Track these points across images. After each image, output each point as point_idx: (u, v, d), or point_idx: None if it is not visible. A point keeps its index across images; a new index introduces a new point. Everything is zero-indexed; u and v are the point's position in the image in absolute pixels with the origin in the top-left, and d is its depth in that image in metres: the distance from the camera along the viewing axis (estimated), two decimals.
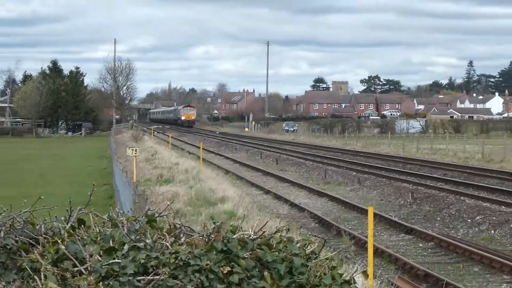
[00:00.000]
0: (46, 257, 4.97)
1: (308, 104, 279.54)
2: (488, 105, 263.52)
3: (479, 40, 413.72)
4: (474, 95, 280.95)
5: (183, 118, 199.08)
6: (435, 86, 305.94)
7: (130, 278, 4.88)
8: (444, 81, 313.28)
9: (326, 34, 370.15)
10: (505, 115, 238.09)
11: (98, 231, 5.74)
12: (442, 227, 35.32)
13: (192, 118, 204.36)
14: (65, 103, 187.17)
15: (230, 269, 5.07)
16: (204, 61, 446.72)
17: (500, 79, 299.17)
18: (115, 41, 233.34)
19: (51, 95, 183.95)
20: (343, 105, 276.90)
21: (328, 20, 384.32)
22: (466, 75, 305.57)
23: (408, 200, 44.06)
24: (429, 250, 29.96)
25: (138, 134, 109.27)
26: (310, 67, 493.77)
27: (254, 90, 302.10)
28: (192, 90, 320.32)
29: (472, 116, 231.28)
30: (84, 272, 4.89)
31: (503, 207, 38.36)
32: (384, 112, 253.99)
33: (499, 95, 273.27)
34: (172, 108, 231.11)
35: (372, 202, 40.83)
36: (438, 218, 37.81)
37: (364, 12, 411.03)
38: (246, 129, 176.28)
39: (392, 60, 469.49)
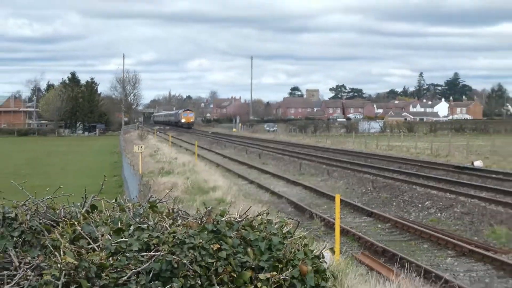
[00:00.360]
0: (64, 236, 4.97)
1: (285, 109, 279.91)
2: (435, 109, 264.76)
3: (429, 54, 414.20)
4: (424, 101, 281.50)
5: (183, 120, 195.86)
6: (392, 93, 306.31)
7: (135, 254, 4.87)
8: (399, 89, 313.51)
9: (300, 50, 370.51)
10: (450, 117, 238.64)
11: (108, 214, 5.74)
12: (398, 211, 35.38)
13: (191, 120, 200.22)
14: (82, 108, 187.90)
15: (219, 246, 5.06)
16: (198, 72, 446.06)
17: (446, 87, 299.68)
18: (123, 56, 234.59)
19: (70, 101, 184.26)
20: (315, 109, 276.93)
21: (303, 38, 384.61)
22: (417, 84, 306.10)
23: (369, 189, 44.14)
24: (387, 230, 30.02)
25: (143, 134, 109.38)
26: (287, 78, 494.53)
27: (240, 97, 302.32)
28: (188, 97, 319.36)
29: (423, 118, 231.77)
30: (96, 249, 4.88)
31: (448, 194, 38.44)
32: (349, 115, 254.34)
33: (445, 100, 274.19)
34: (174, 111, 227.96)
35: (339, 190, 40.85)
36: (394, 204, 37.89)
37: (332, 32, 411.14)
38: (234, 129, 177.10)
39: (356, 72, 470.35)
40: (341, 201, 23.00)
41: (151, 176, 41.88)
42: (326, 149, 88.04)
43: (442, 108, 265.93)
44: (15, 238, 5.05)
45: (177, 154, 65.84)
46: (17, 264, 4.64)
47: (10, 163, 63.31)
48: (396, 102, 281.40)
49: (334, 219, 20.63)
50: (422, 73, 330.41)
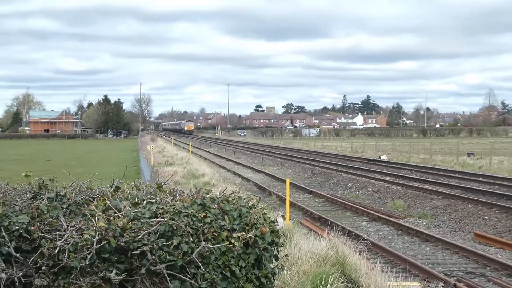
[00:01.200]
0: (98, 207, 4.96)
1: (252, 120, 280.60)
2: (354, 120, 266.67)
3: (350, 82, 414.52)
4: (347, 114, 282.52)
5: (185, 128, 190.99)
6: (325, 110, 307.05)
7: (147, 220, 4.85)
8: (330, 106, 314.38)
9: (263, 79, 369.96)
10: (364, 126, 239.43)
11: (128, 193, 5.71)
12: (329, 190, 35.48)
13: (192, 128, 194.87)
14: (111, 119, 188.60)
15: (205, 214, 5.06)
16: (192, 95, 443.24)
17: (361, 105, 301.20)
18: (140, 84, 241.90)
19: (103, 115, 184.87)
20: (272, 120, 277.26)
21: (264, 71, 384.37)
22: (342, 103, 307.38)
23: (309, 175, 44.22)
24: (321, 203, 30.09)
25: (154, 137, 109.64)
26: (253, 98, 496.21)
27: (221, 112, 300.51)
28: (185, 112, 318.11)
29: (346, 127, 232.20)
30: (120, 216, 4.86)
31: (363, 178, 38.60)
32: (296, 124, 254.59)
33: (360, 114, 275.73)
34: (178, 122, 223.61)
35: (288, 175, 40.93)
36: (326, 185, 38.01)
37: (285, 67, 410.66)
38: (216, 134, 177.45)
39: (301, 94, 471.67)
40: (290, 183, 23.06)
41: (159, 166, 41.96)
42: (279, 147, 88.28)
43: (358, 120, 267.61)
44: (64, 209, 5.02)
45: (177, 151, 65.89)
46: (66, 226, 4.62)
47: (62, 158, 62.97)
48: (328, 115, 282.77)
49: (285, 196, 20.68)
50: (345, 95, 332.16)
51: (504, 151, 57.76)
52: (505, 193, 29.64)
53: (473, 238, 21.12)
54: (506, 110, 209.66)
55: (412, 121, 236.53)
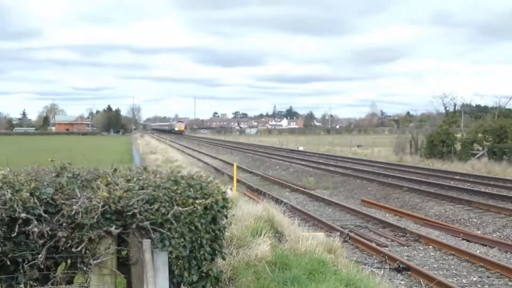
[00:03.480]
0: (102, 182, 4.92)
1: (211, 123, 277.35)
2: (281, 123, 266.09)
3: (279, 97, 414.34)
4: (276, 119, 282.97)
5: (176, 129, 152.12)
6: (261, 115, 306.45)
7: (136, 191, 4.83)
8: (264, 113, 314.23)
9: (218, 96, 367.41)
10: (288, 127, 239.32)
11: (124, 172, 5.68)
12: (263, 170, 35.55)
13: (182, 128, 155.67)
14: (112, 122, 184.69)
15: (176, 187, 5.06)
16: (169, 105, 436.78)
17: (286, 113, 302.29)
18: (133, 97, 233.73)
19: (107, 119, 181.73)
20: (225, 123, 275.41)
21: (218, 90, 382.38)
22: (273, 110, 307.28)
23: (250, 160, 44.21)
24: (258, 180, 30.14)
25: (142, 135, 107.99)
26: (212, 107, 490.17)
27: (189, 117, 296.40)
28: (164, 117, 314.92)
29: (275, 127, 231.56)
30: (118, 189, 4.84)
31: (286, 162, 38.82)
32: (241, 126, 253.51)
33: (285, 119, 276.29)
34: (168, 123, 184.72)
35: (236, 160, 40.81)
36: (261, 167, 38.07)
37: (234, 85, 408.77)
38: (186, 132, 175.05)
39: (245, 105, 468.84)
40: (237, 166, 23.07)
41: (145, 154, 41.37)
42: (229, 141, 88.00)
43: (284, 123, 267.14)
44: (78, 184, 4.98)
45: (159, 144, 65.12)
46: (79, 196, 4.58)
47: (78, 148, 61.46)
48: (263, 119, 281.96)
49: (233, 174, 20.71)
50: (275, 106, 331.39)
51: (382, 144, 58.79)
52: (381, 172, 30.34)
53: (360, 202, 21.53)
54: (383, 116, 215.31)
55: (320, 124, 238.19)
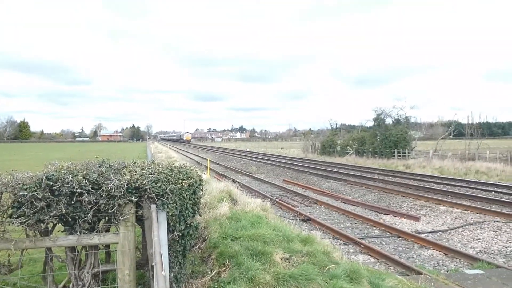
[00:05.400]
0: (127, 170, 4.81)
1: (194, 135, 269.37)
2: (236, 135, 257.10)
3: (237, 118, 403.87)
4: (233, 132, 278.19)
5: (184, 138, 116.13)
6: (225, 130, 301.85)
7: (147, 175, 4.73)
8: (227, 128, 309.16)
9: (200, 118, 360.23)
10: (242, 137, 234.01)
11: (140, 164, 5.56)
12: (226, 163, 35.07)
13: (190, 138, 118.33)
14: (135, 134, 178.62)
15: (171, 173, 4.96)
16: (174, 127, 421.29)
17: (239, 128, 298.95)
18: (149, 118, 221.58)
19: (132, 132, 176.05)
20: (203, 134, 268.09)
21: (200, 115, 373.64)
22: (231, 127, 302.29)
23: (218, 157, 43.69)
24: (223, 168, 29.75)
25: (153, 142, 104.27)
26: (194, 125, 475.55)
27: (181, 132, 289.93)
28: (167, 131, 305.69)
29: (233, 137, 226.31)
30: (136, 174, 4.73)
31: (239, 157, 38.61)
32: (213, 136, 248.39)
33: (239, 132, 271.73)
34: (177, 133, 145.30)
35: (209, 157, 40.38)
36: (225, 161, 37.73)
37: (208, 112, 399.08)
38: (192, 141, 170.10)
39: (214, 122, 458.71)
40: (210, 160, 22.80)
41: (155, 153, 40.15)
42: (206, 146, 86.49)
43: (238, 135, 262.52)
44: (112, 171, 4.83)
45: (163, 148, 63.37)
46: (113, 178, 4.48)
47: (113, 150, 58.87)
48: (225, 132, 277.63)
49: (207, 165, 20.42)
50: (233, 124, 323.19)
51: (295, 147, 59.63)
52: (295, 163, 30.74)
53: (283, 181, 21.72)
54: (296, 131, 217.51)
55: (259, 135, 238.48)
